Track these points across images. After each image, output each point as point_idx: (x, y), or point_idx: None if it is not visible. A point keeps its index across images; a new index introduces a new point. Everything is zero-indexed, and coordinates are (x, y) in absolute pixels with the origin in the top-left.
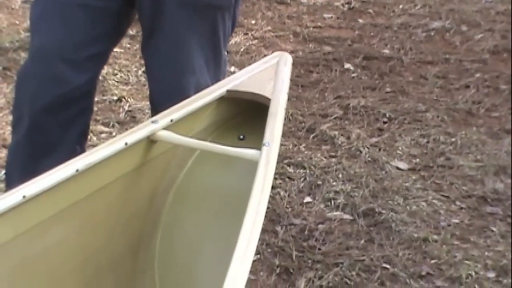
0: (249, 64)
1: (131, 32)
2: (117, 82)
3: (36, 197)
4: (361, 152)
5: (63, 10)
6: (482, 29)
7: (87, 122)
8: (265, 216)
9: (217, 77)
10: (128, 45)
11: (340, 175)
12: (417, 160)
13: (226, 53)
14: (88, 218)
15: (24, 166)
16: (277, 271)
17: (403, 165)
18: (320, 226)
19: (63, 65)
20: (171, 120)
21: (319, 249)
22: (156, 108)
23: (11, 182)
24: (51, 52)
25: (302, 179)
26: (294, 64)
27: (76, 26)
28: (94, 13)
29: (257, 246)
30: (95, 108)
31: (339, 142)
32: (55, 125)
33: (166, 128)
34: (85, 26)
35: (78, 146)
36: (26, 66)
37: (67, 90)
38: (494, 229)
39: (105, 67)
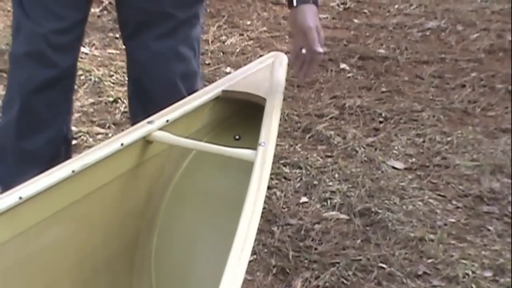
0: (245, 65)
1: None
2: (113, 83)
3: (33, 198)
4: (357, 152)
5: (49, 2)
6: (477, 28)
7: (71, 99)
8: (261, 216)
9: (199, 63)
10: (124, 47)
11: (336, 175)
12: (413, 159)
13: None
14: (85, 218)
15: (14, 145)
16: (274, 271)
17: (399, 164)
18: (316, 226)
19: (51, 50)
20: (167, 121)
21: (316, 249)
22: (146, 97)
23: (4, 160)
24: (39, 39)
25: (298, 179)
26: (289, 65)
27: (60, 15)
28: (74, 1)
29: (254, 246)
30: (91, 110)
31: (335, 142)
32: (43, 105)
33: (162, 128)
34: (68, 14)
35: (64, 124)
36: (16, 51)
37: (55, 73)
38: (490, 228)
39: (101, 68)
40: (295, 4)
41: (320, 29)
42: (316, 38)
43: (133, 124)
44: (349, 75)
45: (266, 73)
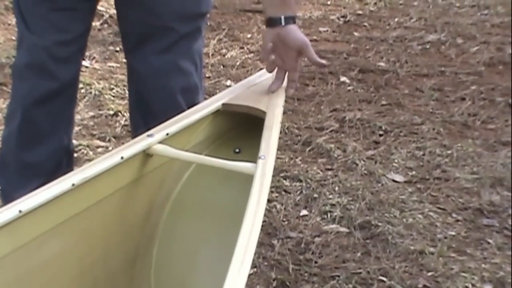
0: (245, 78)
1: None
2: (113, 96)
3: (33, 211)
4: (357, 165)
5: (50, 14)
6: (477, 41)
7: (72, 111)
8: (262, 230)
9: (201, 77)
10: (124, 60)
11: (337, 188)
12: (413, 172)
13: None
14: (85, 232)
15: (15, 157)
16: (274, 284)
17: (399, 177)
18: (316, 239)
19: (53, 62)
20: (167, 134)
21: (316, 262)
22: (146, 110)
23: (6, 171)
24: (41, 51)
25: (298, 192)
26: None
27: (63, 28)
28: (77, 14)
29: (254, 260)
30: (91, 123)
31: (335, 155)
32: (44, 117)
33: (162, 142)
34: (70, 27)
35: (65, 135)
36: (19, 63)
37: (56, 85)
38: (490, 241)
39: (101, 81)
40: (283, 23)
41: None
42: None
43: (134, 136)
44: (349, 88)
45: (266, 86)
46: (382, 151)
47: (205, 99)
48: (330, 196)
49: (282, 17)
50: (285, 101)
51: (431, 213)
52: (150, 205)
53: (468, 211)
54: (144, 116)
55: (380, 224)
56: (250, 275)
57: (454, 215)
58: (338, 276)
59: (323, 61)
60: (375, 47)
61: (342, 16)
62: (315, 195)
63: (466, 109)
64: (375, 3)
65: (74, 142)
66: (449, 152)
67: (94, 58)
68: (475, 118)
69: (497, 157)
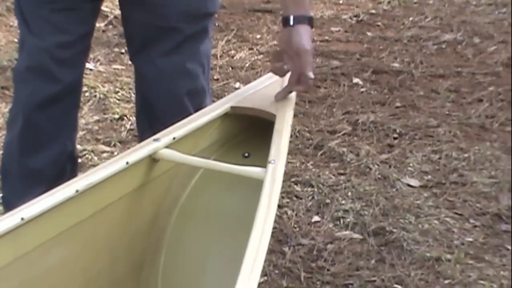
0: (254, 80)
1: None
2: (118, 100)
3: (35, 219)
4: (370, 169)
5: (52, 15)
6: (495, 41)
7: (75, 115)
8: (272, 236)
9: (208, 79)
10: (130, 62)
11: (349, 193)
12: (429, 176)
13: None
14: (89, 239)
15: (18, 163)
16: None
17: (414, 182)
18: (329, 246)
19: (55, 64)
20: (174, 138)
21: (328, 270)
22: (152, 114)
23: (8, 178)
24: (43, 53)
25: (310, 197)
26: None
27: (65, 29)
28: (79, 14)
29: (264, 267)
30: (96, 127)
31: (348, 159)
32: (47, 121)
33: (169, 146)
34: (72, 28)
35: (68, 141)
36: (20, 66)
37: (58, 89)
38: (509, 247)
39: (106, 84)
40: (291, 23)
41: (313, 53)
42: (311, 62)
43: (140, 140)
44: (362, 89)
45: (276, 88)
46: (397, 155)
47: (213, 101)
48: (343, 202)
49: (291, 17)
50: (296, 103)
51: (447, 219)
52: (156, 211)
53: (486, 217)
54: (150, 120)
55: (394, 230)
56: (260, 283)
57: (471, 220)
58: (352, 284)
59: (312, 76)
60: (389, 47)
61: (355, 16)
62: (327, 201)
63: (484, 111)
64: (389, 2)
65: (78, 147)
66: (466, 155)
67: (98, 60)
68: (493, 120)
69: None
